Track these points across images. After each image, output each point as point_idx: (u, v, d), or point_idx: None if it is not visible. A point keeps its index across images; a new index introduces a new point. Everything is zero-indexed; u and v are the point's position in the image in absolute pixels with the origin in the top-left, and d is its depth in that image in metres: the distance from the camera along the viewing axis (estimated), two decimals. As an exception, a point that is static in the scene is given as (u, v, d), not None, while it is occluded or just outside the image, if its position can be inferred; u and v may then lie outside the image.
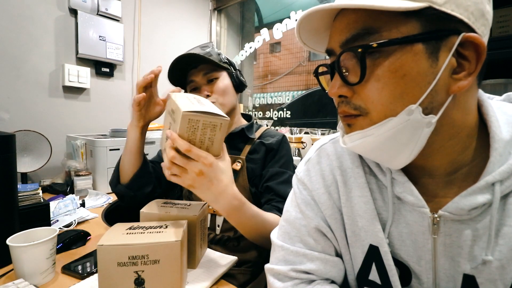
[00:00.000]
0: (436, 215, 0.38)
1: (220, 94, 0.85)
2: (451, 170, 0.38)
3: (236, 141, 0.88)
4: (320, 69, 0.43)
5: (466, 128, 0.37)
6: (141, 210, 0.61)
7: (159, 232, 0.51)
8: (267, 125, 1.54)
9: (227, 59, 0.92)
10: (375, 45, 0.32)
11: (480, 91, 0.39)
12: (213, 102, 0.77)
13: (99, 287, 0.48)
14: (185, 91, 0.92)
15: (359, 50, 0.33)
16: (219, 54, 0.89)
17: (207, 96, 0.84)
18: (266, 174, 0.83)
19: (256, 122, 0.99)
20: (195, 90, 0.88)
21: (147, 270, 0.47)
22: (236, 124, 0.93)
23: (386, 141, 0.35)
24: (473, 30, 0.32)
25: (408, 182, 0.40)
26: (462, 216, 0.36)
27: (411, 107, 0.32)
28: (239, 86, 0.91)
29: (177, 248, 0.48)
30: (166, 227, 0.54)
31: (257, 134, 0.91)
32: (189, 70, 0.88)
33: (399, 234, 0.41)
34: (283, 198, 0.73)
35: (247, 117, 1.00)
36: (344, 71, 0.36)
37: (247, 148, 0.88)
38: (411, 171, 0.41)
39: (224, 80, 0.87)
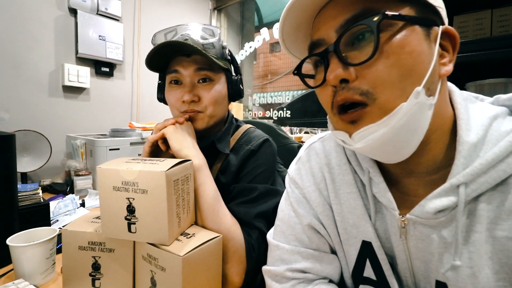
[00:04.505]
0: (403, 218, 0.38)
1: (212, 103, 0.65)
2: (432, 170, 0.38)
3: (205, 157, 0.64)
4: (304, 70, 0.42)
5: (447, 121, 0.37)
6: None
7: (153, 163, 0.51)
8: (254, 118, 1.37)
9: (231, 55, 0.72)
10: (390, 14, 0.32)
11: (457, 93, 0.39)
12: (199, 112, 0.66)
13: (100, 205, 0.51)
14: (163, 79, 0.72)
15: (375, 19, 0.32)
16: (223, 48, 0.68)
17: (192, 101, 0.65)
18: (233, 191, 0.66)
19: (237, 120, 0.79)
20: (177, 83, 0.67)
21: (137, 198, 0.48)
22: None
23: (400, 131, 0.33)
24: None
25: (382, 183, 0.40)
26: (430, 221, 0.36)
27: (417, 89, 0.32)
28: (234, 95, 0.72)
29: (163, 178, 0.47)
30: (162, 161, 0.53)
31: (234, 138, 0.72)
32: (176, 56, 0.66)
33: (382, 232, 0.42)
34: (241, 221, 0.61)
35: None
36: (344, 53, 0.35)
37: (217, 167, 0.69)
38: (393, 170, 0.41)
39: (220, 86, 0.67)
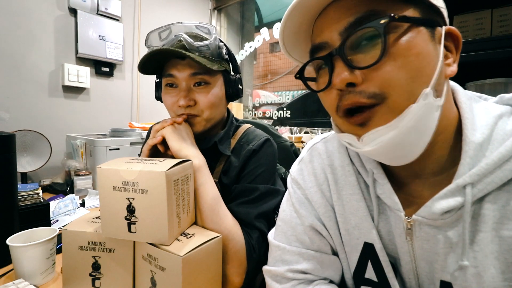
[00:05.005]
0: (409, 219, 0.38)
1: (208, 107, 0.64)
2: (437, 171, 0.38)
3: (207, 158, 0.63)
4: (306, 73, 0.41)
5: (453, 122, 0.37)
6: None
7: (153, 163, 0.51)
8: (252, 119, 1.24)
9: (229, 53, 0.69)
10: (397, 16, 0.31)
11: (461, 93, 0.39)
12: (195, 116, 0.65)
13: (100, 205, 0.51)
14: (160, 78, 0.70)
15: (382, 21, 0.31)
16: (220, 48, 0.66)
17: (188, 106, 0.63)
18: (233, 192, 0.66)
19: (237, 120, 0.79)
20: (172, 86, 0.65)
21: (137, 198, 0.48)
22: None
23: (409, 133, 0.33)
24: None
25: (387, 184, 0.40)
26: (436, 221, 0.36)
27: (426, 90, 0.32)
28: (233, 96, 0.70)
29: (163, 178, 0.47)
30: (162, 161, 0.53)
31: (235, 138, 0.72)
32: (170, 58, 0.64)
33: (386, 233, 0.42)
34: (242, 221, 0.61)
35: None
36: (349, 56, 0.34)
37: (219, 168, 0.68)
38: (397, 172, 0.41)
39: (217, 89, 0.65)
